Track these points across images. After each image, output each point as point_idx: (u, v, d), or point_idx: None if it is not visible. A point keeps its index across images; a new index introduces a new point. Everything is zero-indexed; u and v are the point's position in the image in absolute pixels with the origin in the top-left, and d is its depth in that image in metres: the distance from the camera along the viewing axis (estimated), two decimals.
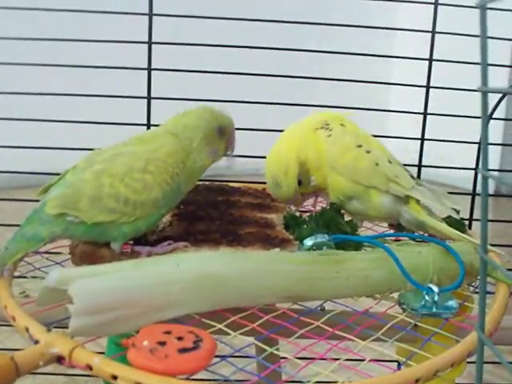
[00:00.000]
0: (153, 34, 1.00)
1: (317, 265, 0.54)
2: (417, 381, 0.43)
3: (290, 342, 0.50)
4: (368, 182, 0.69)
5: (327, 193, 0.74)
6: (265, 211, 0.72)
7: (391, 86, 1.23)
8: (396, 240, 0.71)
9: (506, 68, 2.71)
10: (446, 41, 1.08)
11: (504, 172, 3.18)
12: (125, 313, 0.46)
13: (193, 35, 1.45)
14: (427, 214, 0.67)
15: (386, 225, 0.78)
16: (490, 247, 0.64)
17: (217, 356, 0.44)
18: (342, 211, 0.71)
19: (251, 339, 0.50)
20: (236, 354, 0.49)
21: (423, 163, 1.05)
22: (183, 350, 0.42)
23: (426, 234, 0.69)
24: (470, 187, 1.03)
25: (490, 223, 0.34)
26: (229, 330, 0.49)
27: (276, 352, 0.49)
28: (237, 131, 0.69)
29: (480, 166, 0.30)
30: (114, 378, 0.40)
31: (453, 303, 0.56)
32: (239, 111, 0.78)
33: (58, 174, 0.62)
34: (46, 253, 0.71)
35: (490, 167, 0.30)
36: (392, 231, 0.76)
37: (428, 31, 1.03)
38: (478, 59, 0.30)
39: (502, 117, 2.63)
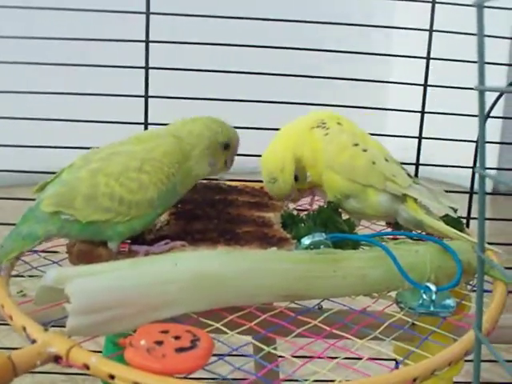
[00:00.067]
0: (150, 33, 1.00)
1: (314, 263, 0.54)
2: (414, 380, 0.42)
3: (288, 341, 0.50)
4: (365, 181, 0.69)
5: (324, 191, 0.74)
6: (262, 210, 0.72)
7: (390, 85, 1.23)
8: (393, 239, 0.71)
9: (503, 66, 2.71)
10: (444, 39, 1.08)
11: (502, 170, 3.18)
12: (122, 312, 0.46)
13: (190, 34, 1.44)
14: (425, 213, 0.67)
15: (383, 223, 0.78)
16: (487, 246, 0.64)
17: (214, 355, 0.44)
18: (340, 210, 0.71)
19: (249, 338, 0.50)
20: (233, 353, 0.49)
21: (421, 161, 1.05)
22: (180, 350, 0.42)
23: (423, 233, 0.69)
24: (468, 185, 1.03)
25: (487, 221, 0.34)
26: (226, 329, 0.49)
27: (273, 351, 0.49)
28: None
29: (477, 164, 0.30)
30: (112, 377, 0.40)
31: (450, 302, 0.56)
32: (236, 110, 0.78)
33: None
34: (44, 252, 0.70)
35: (488, 165, 0.30)
36: (389, 230, 0.76)
37: (425, 29, 1.03)
38: (475, 58, 0.29)
39: (500, 115, 2.64)
